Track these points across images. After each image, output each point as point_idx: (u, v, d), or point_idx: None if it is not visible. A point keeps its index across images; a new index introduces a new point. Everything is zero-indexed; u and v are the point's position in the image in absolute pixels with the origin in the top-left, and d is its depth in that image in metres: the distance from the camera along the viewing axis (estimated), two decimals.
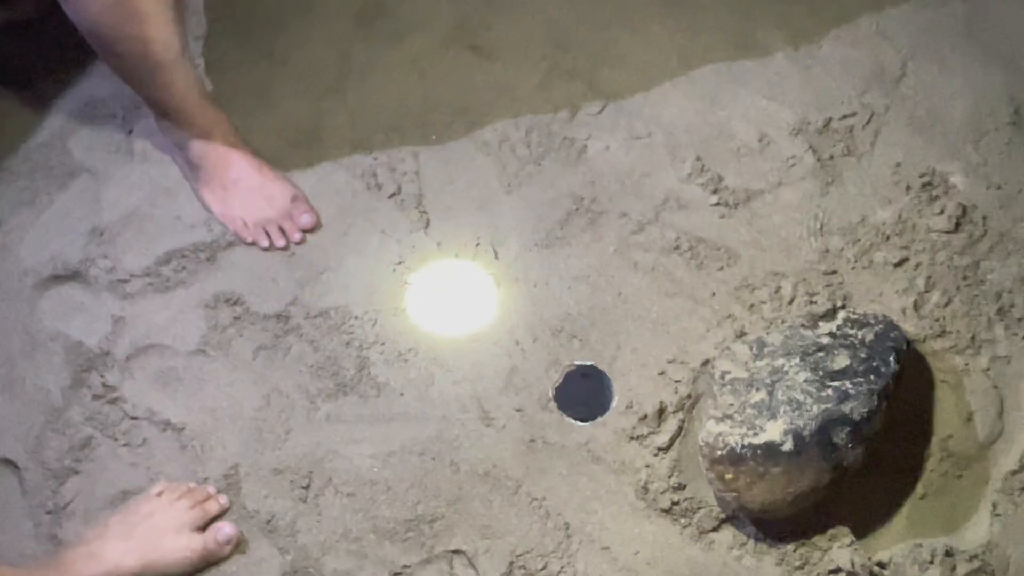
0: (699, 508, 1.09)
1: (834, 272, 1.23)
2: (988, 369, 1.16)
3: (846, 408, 1.01)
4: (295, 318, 1.24)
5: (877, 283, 1.22)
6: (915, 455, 1.12)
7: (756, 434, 1.01)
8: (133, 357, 1.22)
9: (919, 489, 1.11)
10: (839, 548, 1.05)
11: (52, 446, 1.16)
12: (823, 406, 1.01)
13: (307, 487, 1.13)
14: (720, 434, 1.03)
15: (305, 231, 1.28)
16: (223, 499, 1.11)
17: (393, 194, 1.31)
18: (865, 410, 1.01)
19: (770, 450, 1.00)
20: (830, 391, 1.02)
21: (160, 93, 1.21)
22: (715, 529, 1.08)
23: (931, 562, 1.05)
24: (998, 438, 1.13)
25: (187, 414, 1.18)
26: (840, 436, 1.00)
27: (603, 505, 1.10)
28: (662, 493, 1.09)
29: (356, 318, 1.23)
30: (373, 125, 1.36)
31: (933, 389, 1.15)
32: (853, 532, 1.06)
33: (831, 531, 1.06)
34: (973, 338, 1.17)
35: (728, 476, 1.01)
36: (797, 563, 1.05)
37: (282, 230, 1.28)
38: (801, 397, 1.02)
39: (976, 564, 1.05)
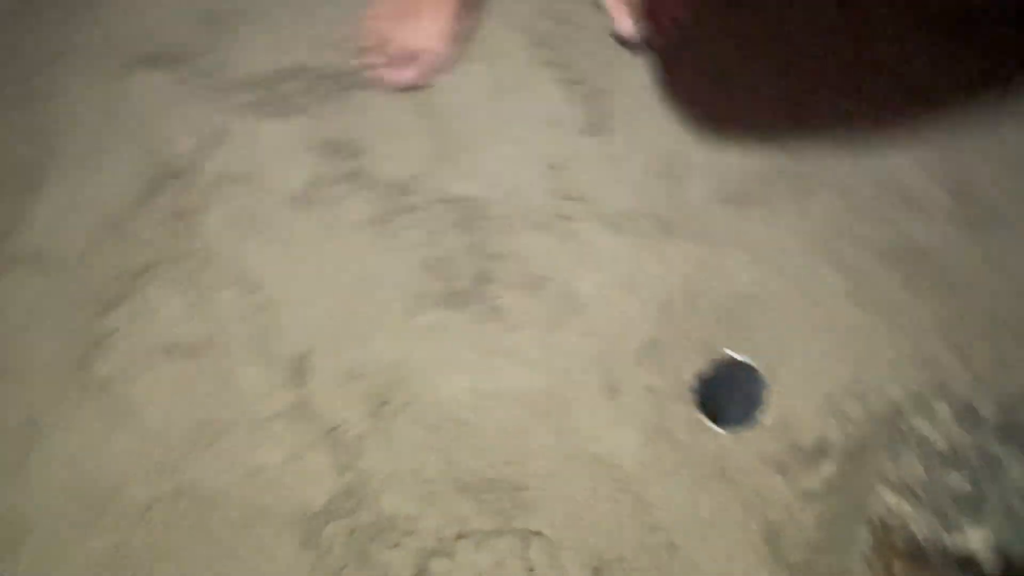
0: None
1: None
2: None
3: None
4: (416, 194, 1.01)
5: None
6: None
7: (951, 532, 0.80)
8: (214, 186, 1.01)
9: None
10: None
11: (107, 261, 0.98)
12: None
13: (383, 404, 0.94)
14: (901, 513, 0.82)
15: (397, 86, 1.05)
16: None
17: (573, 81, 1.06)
18: None
19: (967, 563, 0.79)
20: None
21: None
22: None
23: None
24: None
25: (263, 273, 0.98)
26: None
27: (721, 535, 0.91)
28: (796, 546, 0.90)
29: (488, 219, 1.01)
30: None
31: None
32: None
33: None
34: None
35: (895, 571, 0.81)
36: None
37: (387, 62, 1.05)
38: (1019, 504, 0.81)
39: None
